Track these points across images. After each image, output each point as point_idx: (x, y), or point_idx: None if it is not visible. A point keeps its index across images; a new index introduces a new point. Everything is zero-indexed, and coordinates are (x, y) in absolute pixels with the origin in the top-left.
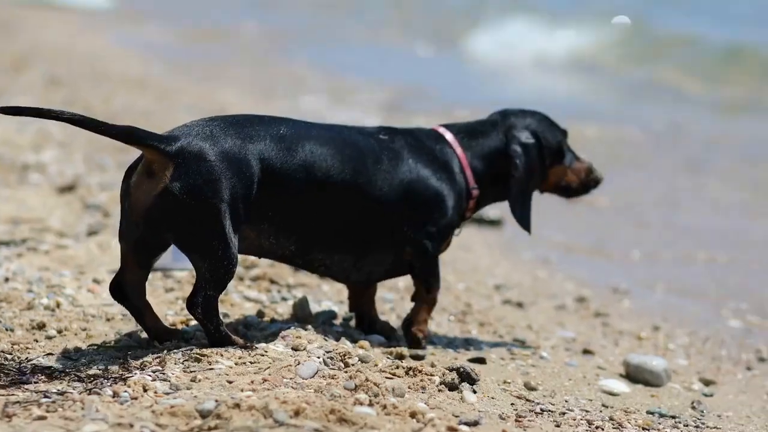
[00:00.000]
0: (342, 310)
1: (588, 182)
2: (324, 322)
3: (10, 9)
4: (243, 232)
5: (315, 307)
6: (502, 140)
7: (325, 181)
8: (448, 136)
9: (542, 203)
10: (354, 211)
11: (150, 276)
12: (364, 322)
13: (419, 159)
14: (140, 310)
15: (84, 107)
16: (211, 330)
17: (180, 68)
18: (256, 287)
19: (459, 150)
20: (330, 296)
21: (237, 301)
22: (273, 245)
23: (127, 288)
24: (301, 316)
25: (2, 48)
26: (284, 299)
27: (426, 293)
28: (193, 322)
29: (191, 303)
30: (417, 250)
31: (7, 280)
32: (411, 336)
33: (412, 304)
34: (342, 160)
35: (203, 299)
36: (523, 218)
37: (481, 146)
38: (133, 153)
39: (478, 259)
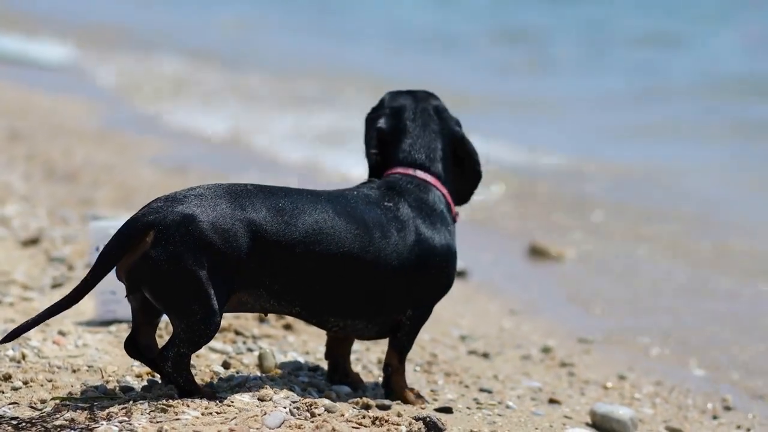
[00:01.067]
0: (307, 360)
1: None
2: (290, 373)
3: None
4: (239, 296)
5: (281, 358)
6: (447, 130)
7: (329, 256)
8: (430, 179)
9: (507, 256)
10: (363, 283)
11: (113, 328)
12: (338, 371)
13: (425, 224)
14: (155, 363)
15: (45, 161)
16: (180, 383)
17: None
18: (221, 338)
19: (442, 188)
20: (296, 347)
21: (202, 352)
22: (276, 307)
23: (140, 344)
24: (267, 366)
25: None
26: (250, 350)
27: (398, 363)
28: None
29: (162, 356)
30: (417, 313)
31: None
32: (408, 402)
33: (377, 353)
34: (348, 238)
35: (174, 354)
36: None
37: (444, 162)
38: (96, 205)
39: (443, 309)
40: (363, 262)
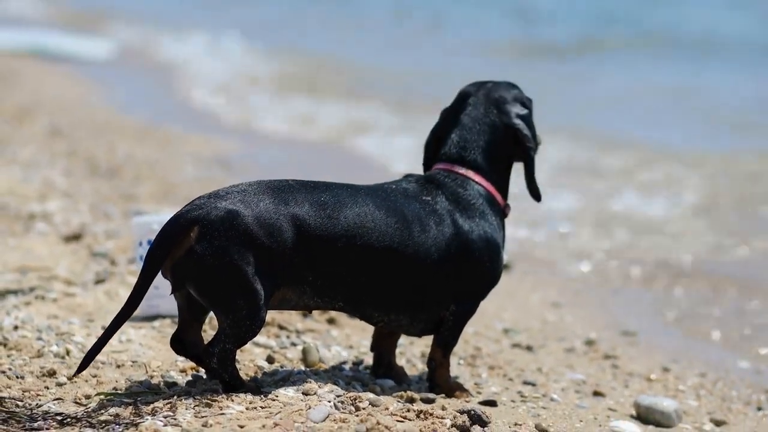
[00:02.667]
0: (351, 354)
1: (536, 148)
2: (334, 367)
3: (10, 61)
4: (283, 293)
5: (324, 352)
6: (498, 119)
7: (370, 250)
8: (470, 173)
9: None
10: (404, 278)
11: (157, 323)
12: (382, 364)
13: (462, 217)
14: (201, 359)
15: (87, 158)
16: (225, 378)
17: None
18: (265, 333)
19: (484, 182)
20: (339, 341)
21: (246, 347)
22: (319, 303)
23: (186, 341)
24: (311, 360)
25: (5, 99)
26: (294, 344)
27: (442, 357)
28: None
29: (207, 352)
30: (460, 308)
31: (16, 328)
32: (452, 396)
33: (420, 347)
34: (388, 231)
35: (220, 351)
36: (538, 188)
37: (490, 155)
38: (138, 201)
39: (487, 303)
40: (403, 256)
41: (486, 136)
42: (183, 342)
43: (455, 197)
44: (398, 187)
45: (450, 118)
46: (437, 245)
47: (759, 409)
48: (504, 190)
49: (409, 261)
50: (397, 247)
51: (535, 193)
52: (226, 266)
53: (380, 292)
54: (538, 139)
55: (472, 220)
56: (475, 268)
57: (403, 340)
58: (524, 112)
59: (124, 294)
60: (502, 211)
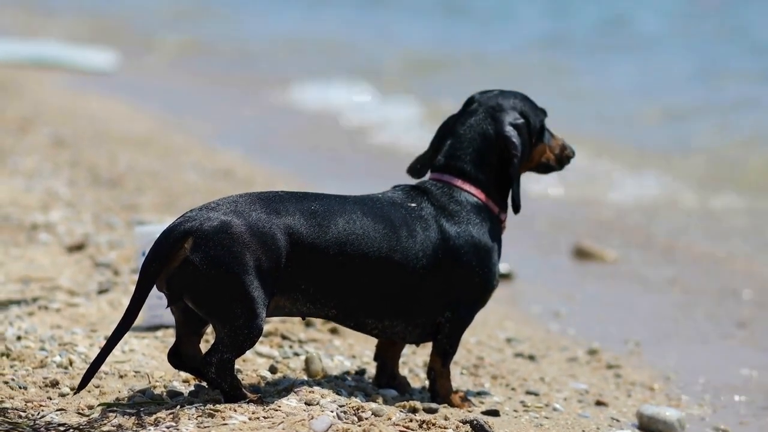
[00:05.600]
0: (354, 364)
1: (563, 158)
2: (337, 377)
3: (13, 71)
4: (277, 301)
5: (327, 362)
6: (491, 128)
7: (360, 256)
8: (458, 181)
9: (550, 261)
10: (394, 283)
11: (160, 333)
12: (385, 374)
13: (449, 222)
14: (199, 370)
15: (89, 167)
16: (225, 388)
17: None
18: (267, 343)
19: (474, 190)
20: (342, 351)
21: (249, 356)
22: (312, 310)
23: (184, 354)
24: (314, 370)
25: (7, 109)
26: (296, 354)
27: (442, 367)
28: None
29: (205, 362)
30: (455, 316)
31: (19, 338)
32: (455, 406)
33: (423, 356)
34: (377, 237)
35: (218, 360)
36: (518, 199)
37: (481, 162)
38: (141, 211)
39: (489, 312)
40: (392, 261)
41: (477, 144)
42: (181, 356)
43: (441, 204)
44: (385, 195)
45: (448, 127)
46: (425, 250)
47: (763, 418)
48: (500, 197)
49: (398, 266)
50: (386, 253)
51: (514, 203)
52: (221, 276)
53: (372, 298)
54: (568, 152)
55: (459, 226)
56: (465, 273)
57: (406, 349)
58: (519, 121)
59: (127, 304)
60: (497, 219)
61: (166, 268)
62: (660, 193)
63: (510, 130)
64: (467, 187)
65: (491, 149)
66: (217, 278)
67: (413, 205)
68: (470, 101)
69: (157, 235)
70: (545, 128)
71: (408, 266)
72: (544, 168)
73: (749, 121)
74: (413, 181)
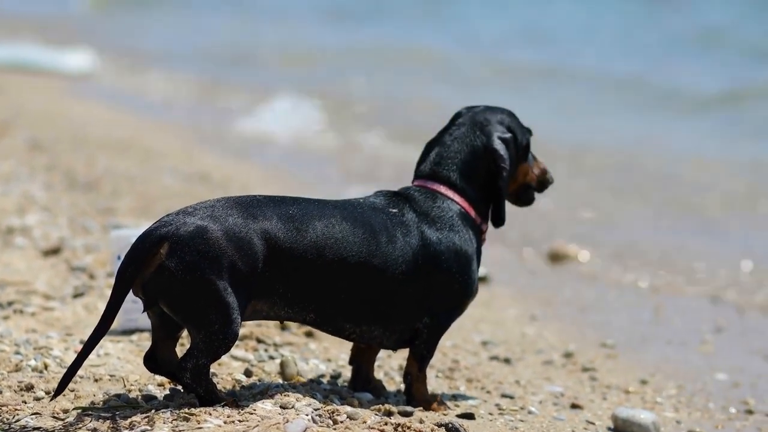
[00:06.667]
0: (329, 368)
1: (544, 182)
2: (312, 380)
3: None
4: (255, 305)
5: (302, 366)
6: (479, 140)
7: (339, 261)
8: (443, 189)
9: (524, 262)
10: (373, 288)
11: (135, 337)
12: (360, 377)
13: (430, 229)
14: (175, 375)
15: (66, 171)
16: (200, 393)
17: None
18: (243, 346)
19: (457, 198)
20: (317, 354)
21: (224, 360)
22: (290, 314)
23: (160, 359)
24: (289, 374)
25: None
26: (271, 358)
27: (418, 371)
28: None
29: (181, 367)
30: (433, 321)
31: None
32: (430, 409)
33: (399, 360)
34: (356, 242)
35: (193, 366)
36: (503, 213)
37: (467, 173)
38: (117, 214)
39: (464, 315)
40: (371, 266)
41: (463, 155)
42: (156, 360)
43: (423, 210)
44: (366, 201)
45: (435, 139)
46: (404, 255)
47: (736, 421)
48: (482, 208)
49: (377, 271)
50: (365, 258)
51: (498, 217)
52: (197, 281)
53: (350, 302)
54: (549, 176)
55: (440, 232)
56: (445, 279)
57: (382, 353)
58: (507, 135)
59: (103, 308)
60: (478, 229)
61: (141, 273)
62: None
63: (498, 144)
64: (451, 194)
65: (479, 161)
66: (192, 284)
67: (395, 210)
68: (458, 115)
69: (133, 239)
70: (529, 149)
71: (387, 271)
72: (525, 191)
73: None
74: (395, 188)
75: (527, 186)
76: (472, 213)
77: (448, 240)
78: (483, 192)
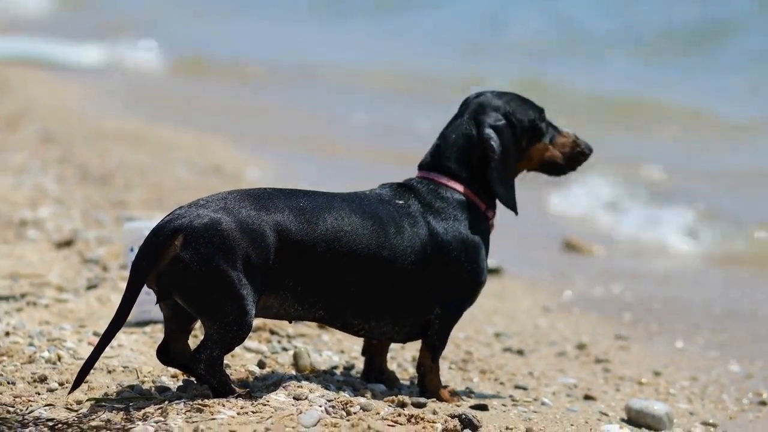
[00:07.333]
0: (342, 359)
1: (573, 156)
2: (325, 372)
3: (2, 67)
4: (265, 300)
5: (316, 357)
6: (474, 129)
7: (349, 253)
8: (444, 179)
9: (539, 254)
10: (382, 281)
11: (148, 329)
12: (373, 369)
13: (435, 219)
14: (188, 367)
15: (79, 163)
16: (214, 384)
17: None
18: (256, 338)
19: (460, 187)
20: (330, 346)
21: (237, 351)
22: (300, 311)
23: (172, 351)
24: (302, 365)
25: None
26: (285, 349)
27: (431, 362)
28: None
29: (194, 358)
30: (444, 312)
31: (7, 334)
32: (443, 400)
33: (412, 351)
34: (365, 234)
35: (207, 357)
36: (509, 200)
37: (466, 161)
38: (129, 207)
39: (477, 307)
40: (381, 258)
41: (461, 144)
42: (169, 352)
43: (428, 201)
44: (372, 193)
45: (444, 129)
46: (413, 246)
47: (750, 412)
48: (487, 196)
49: (387, 262)
50: (375, 249)
51: (508, 206)
52: (211, 272)
53: (359, 296)
54: (581, 149)
55: (446, 222)
56: (454, 269)
57: (395, 345)
58: (500, 123)
59: (116, 300)
60: (483, 216)
61: (156, 266)
62: None
63: (489, 132)
64: (452, 184)
65: (474, 150)
66: (207, 275)
67: (401, 202)
68: (463, 103)
69: (146, 232)
70: (545, 126)
71: (396, 262)
72: (551, 168)
73: None
74: (400, 179)
75: (552, 164)
76: (477, 201)
77: (454, 230)
78: (485, 179)
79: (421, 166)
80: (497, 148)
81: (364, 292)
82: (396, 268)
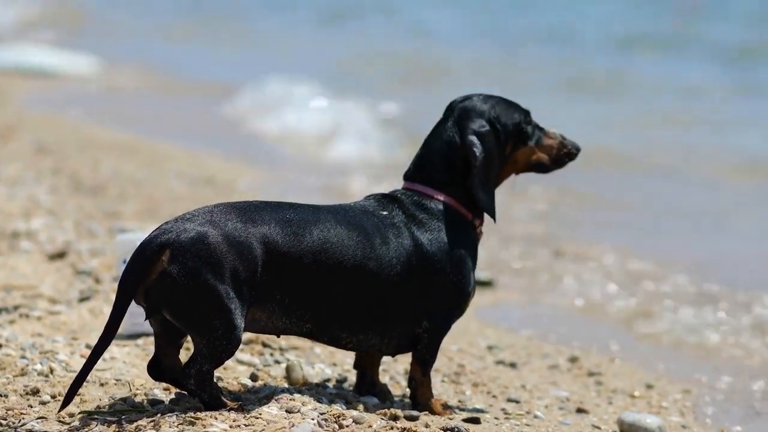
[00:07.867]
0: (335, 372)
1: (560, 157)
2: (317, 384)
3: None
4: (253, 313)
5: (308, 370)
6: (457, 136)
7: (335, 265)
8: (428, 189)
9: (534, 264)
10: (368, 292)
11: (141, 341)
12: (365, 382)
13: (420, 230)
14: (179, 381)
15: (72, 174)
16: (205, 399)
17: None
18: (249, 351)
19: (444, 197)
20: (323, 359)
21: (230, 364)
22: (287, 324)
23: (163, 366)
24: (295, 378)
25: None
26: (277, 362)
27: (422, 376)
28: None
29: (184, 374)
30: (432, 324)
31: (0, 346)
32: (436, 413)
33: (404, 364)
34: (351, 245)
35: (197, 372)
36: (489, 207)
37: (450, 169)
38: (123, 218)
39: (470, 320)
40: (367, 269)
41: (444, 152)
42: (160, 367)
43: (411, 212)
44: (357, 204)
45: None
46: (399, 257)
47: (743, 424)
48: (473, 204)
49: (373, 274)
50: (360, 260)
51: (487, 213)
52: (199, 287)
53: (346, 308)
54: (567, 150)
55: (430, 233)
56: (440, 280)
57: (387, 357)
58: (483, 129)
59: (108, 312)
60: (470, 225)
61: (144, 282)
62: None
63: (472, 139)
64: (436, 194)
65: (458, 157)
66: (194, 289)
67: (385, 213)
68: (447, 108)
69: (138, 243)
70: (531, 129)
71: (382, 274)
72: (538, 168)
73: None
74: (385, 191)
75: (538, 165)
76: (462, 210)
77: (439, 240)
78: (465, 187)
79: (406, 177)
80: (479, 155)
81: (351, 304)
82: (382, 280)
